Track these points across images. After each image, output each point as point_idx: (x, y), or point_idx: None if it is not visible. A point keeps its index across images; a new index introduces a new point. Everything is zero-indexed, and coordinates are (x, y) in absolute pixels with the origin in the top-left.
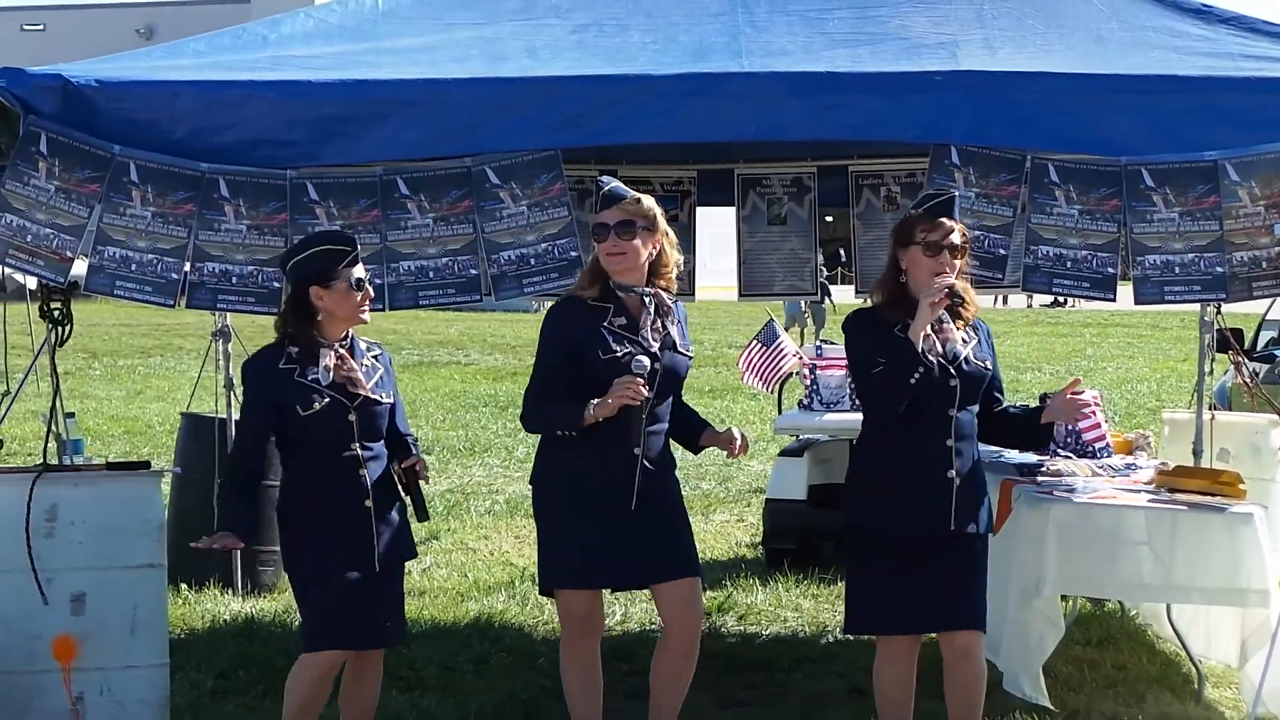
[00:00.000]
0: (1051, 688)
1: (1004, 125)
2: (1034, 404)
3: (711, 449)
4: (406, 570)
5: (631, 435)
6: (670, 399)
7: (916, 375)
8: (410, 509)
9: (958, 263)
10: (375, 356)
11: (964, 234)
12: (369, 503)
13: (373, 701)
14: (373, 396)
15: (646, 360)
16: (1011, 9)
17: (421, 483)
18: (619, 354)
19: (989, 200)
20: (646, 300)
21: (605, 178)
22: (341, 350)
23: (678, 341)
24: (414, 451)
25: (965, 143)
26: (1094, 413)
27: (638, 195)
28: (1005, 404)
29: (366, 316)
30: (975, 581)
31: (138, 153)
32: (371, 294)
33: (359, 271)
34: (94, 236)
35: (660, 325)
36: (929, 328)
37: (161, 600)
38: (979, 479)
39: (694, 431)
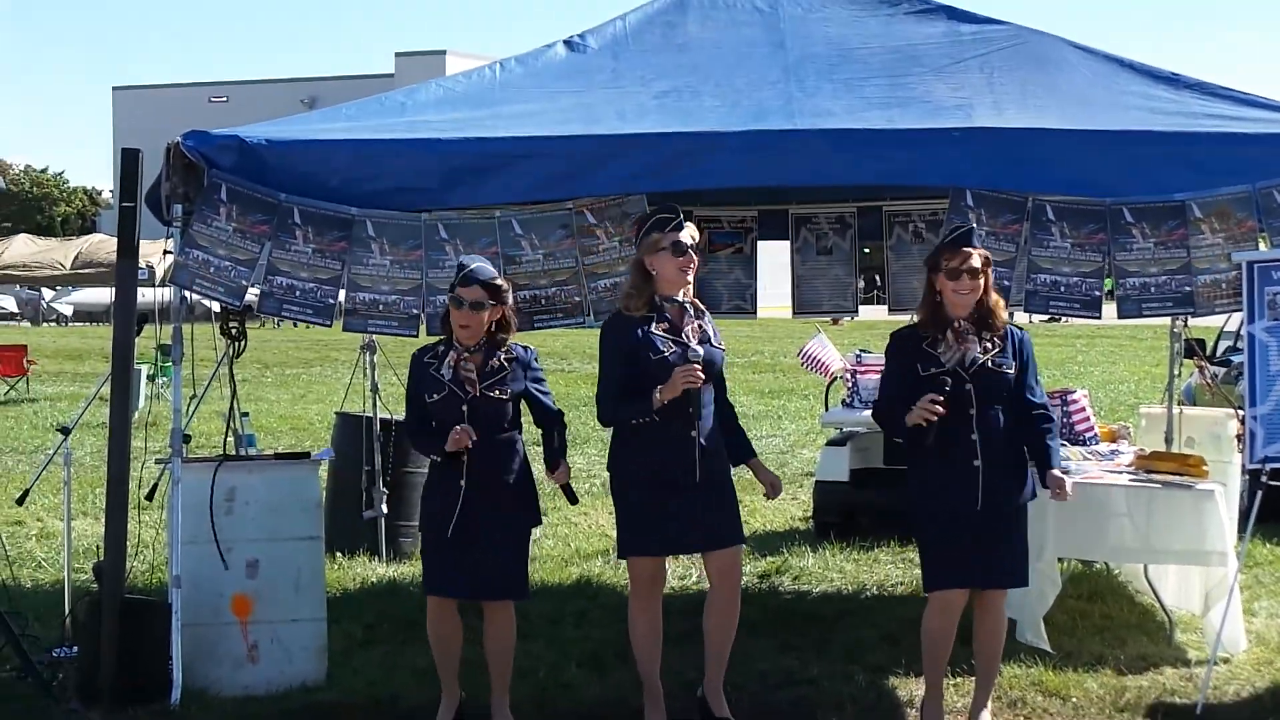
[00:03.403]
0: (1050, 634)
1: (1010, 172)
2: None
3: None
4: None
5: (688, 421)
6: (713, 387)
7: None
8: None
9: (979, 281)
10: (511, 360)
11: (984, 256)
12: (462, 482)
13: (502, 645)
14: (486, 394)
15: (701, 350)
16: (1015, 78)
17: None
18: (666, 354)
19: (996, 237)
20: (688, 306)
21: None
22: (465, 352)
23: (712, 338)
24: (558, 445)
25: (978, 187)
26: (1084, 409)
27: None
28: (1038, 412)
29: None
30: (1007, 546)
31: (300, 199)
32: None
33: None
34: (264, 268)
35: (698, 326)
36: (953, 339)
37: (320, 565)
38: (1009, 462)
39: (743, 454)
